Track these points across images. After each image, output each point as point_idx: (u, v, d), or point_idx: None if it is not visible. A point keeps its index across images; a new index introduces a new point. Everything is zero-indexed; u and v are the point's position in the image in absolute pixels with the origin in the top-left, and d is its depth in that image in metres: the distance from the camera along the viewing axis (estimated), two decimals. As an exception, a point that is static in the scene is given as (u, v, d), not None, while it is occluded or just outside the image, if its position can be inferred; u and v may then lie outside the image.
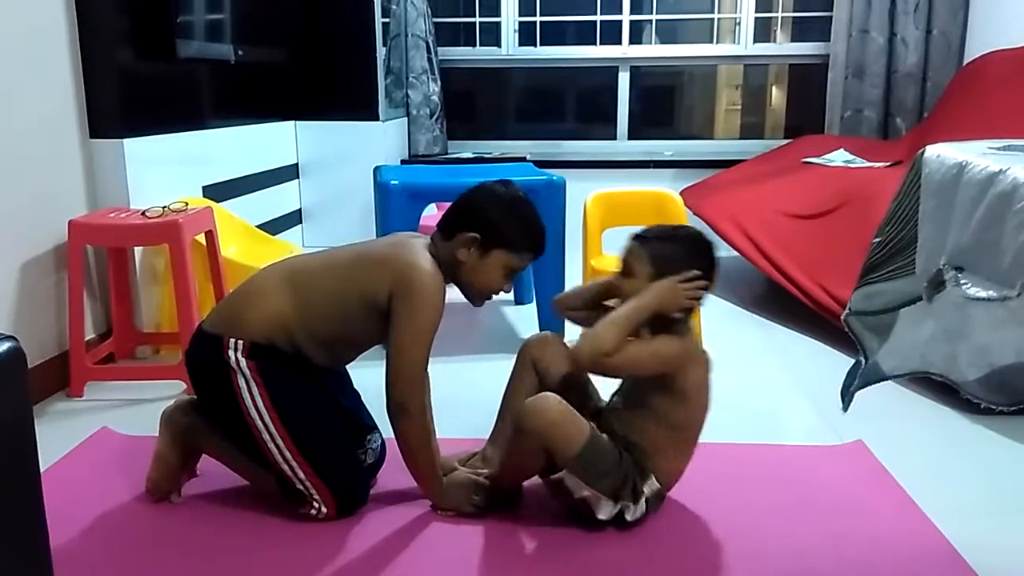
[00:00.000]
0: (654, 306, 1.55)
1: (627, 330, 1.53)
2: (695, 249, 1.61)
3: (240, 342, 1.58)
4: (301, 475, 1.60)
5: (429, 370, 1.64)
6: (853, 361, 2.40)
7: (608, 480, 1.55)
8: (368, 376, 1.81)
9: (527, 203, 1.69)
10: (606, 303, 1.67)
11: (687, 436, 1.63)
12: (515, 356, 1.80)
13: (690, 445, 1.64)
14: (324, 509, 1.61)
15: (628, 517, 1.58)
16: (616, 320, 1.53)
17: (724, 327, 2.96)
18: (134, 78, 2.60)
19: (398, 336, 1.56)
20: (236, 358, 1.58)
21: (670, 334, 1.58)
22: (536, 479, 1.68)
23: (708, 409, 1.63)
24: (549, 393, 1.59)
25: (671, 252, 1.59)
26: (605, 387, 1.80)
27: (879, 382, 2.25)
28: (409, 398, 1.57)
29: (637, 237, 1.63)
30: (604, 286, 1.69)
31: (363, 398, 1.84)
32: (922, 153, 2.21)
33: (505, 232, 1.64)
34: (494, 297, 1.73)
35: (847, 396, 2.23)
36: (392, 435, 1.65)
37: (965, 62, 3.91)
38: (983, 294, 1.83)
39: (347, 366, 1.83)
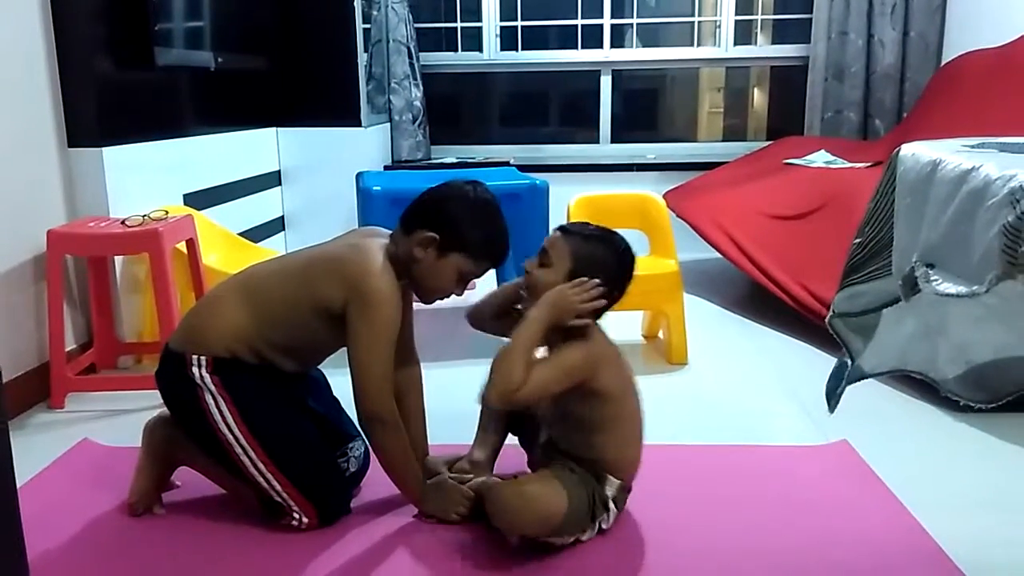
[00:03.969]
0: (548, 319, 1.49)
1: (529, 354, 1.47)
2: (616, 257, 1.56)
3: (203, 358, 1.57)
4: (277, 487, 1.58)
5: (424, 373, 1.61)
6: (836, 361, 2.41)
7: (588, 518, 1.55)
8: (348, 385, 1.80)
9: (494, 208, 1.62)
10: (517, 307, 1.63)
11: (623, 428, 1.59)
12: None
13: (631, 433, 1.60)
14: (305, 519, 1.60)
15: (604, 527, 1.58)
16: (515, 348, 1.46)
17: (708, 328, 2.97)
18: (113, 86, 2.58)
19: (358, 347, 1.53)
20: (200, 374, 1.56)
21: (575, 339, 1.52)
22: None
23: (637, 393, 1.60)
24: (511, 483, 1.54)
25: (592, 253, 1.54)
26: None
27: (860, 380, 2.26)
28: (381, 407, 1.55)
29: (563, 229, 1.59)
30: (511, 292, 1.65)
31: (342, 406, 1.82)
32: (897, 152, 2.23)
33: (466, 238, 1.58)
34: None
35: (833, 398, 2.23)
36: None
37: (942, 63, 3.95)
38: (953, 290, 1.84)
39: (327, 375, 1.81)
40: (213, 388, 1.56)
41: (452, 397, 2.07)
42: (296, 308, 1.58)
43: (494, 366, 1.47)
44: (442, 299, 1.67)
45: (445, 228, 1.58)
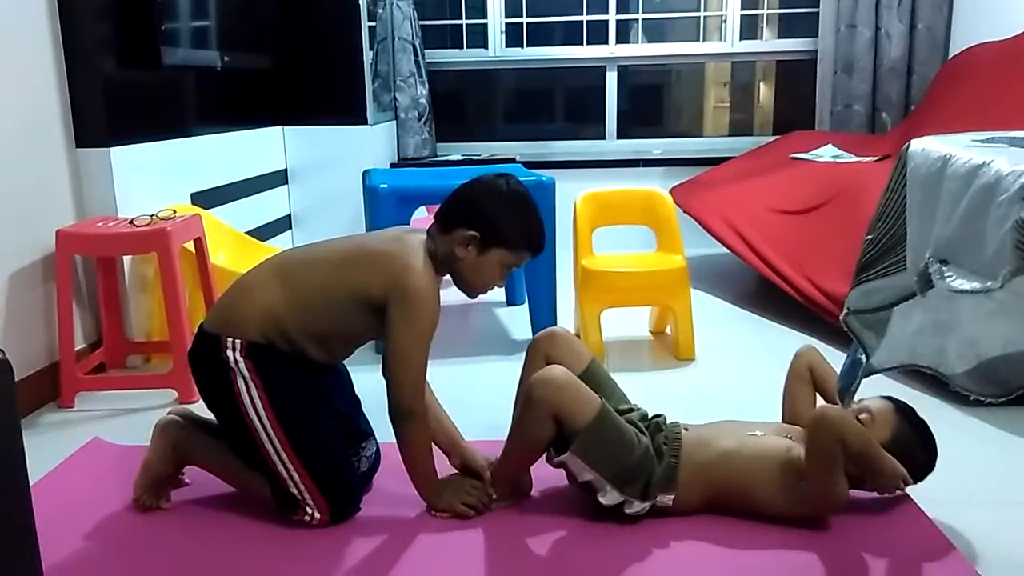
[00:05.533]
0: (877, 472, 1.60)
1: (862, 454, 1.57)
2: (925, 461, 1.67)
3: (238, 341, 1.58)
4: (296, 478, 1.59)
5: (434, 370, 1.62)
6: (849, 357, 2.40)
7: (615, 464, 1.54)
8: (365, 380, 1.81)
9: (528, 200, 1.67)
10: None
11: (736, 509, 1.62)
12: (507, 357, 1.80)
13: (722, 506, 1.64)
14: (317, 515, 1.60)
15: (627, 510, 1.57)
16: (868, 442, 1.59)
17: (716, 324, 2.96)
18: (119, 86, 2.59)
19: (397, 342, 1.56)
20: (235, 358, 1.57)
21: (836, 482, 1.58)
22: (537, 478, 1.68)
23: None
24: (557, 365, 1.60)
25: (911, 441, 1.67)
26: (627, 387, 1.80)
27: (870, 375, 2.25)
28: (416, 403, 1.58)
29: (895, 404, 1.72)
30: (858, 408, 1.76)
31: (360, 405, 1.83)
32: (907, 147, 2.22)
33: (505, 232, 1.62)
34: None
35: (847, 394, 2.22)
36: (387, 441, 1.65)
37: (950, 56, 3.93)
38: (967, 286, 1.83)
39: (351, 372, 1.82)
40: (246, 372, 1.57)
41: (460, 393, 2.08)
42: (333, 294, 1.60)
43: (856, 423, 1.63)
44: (485, 292, 1.71)
45: (484, 225, 1.61)
